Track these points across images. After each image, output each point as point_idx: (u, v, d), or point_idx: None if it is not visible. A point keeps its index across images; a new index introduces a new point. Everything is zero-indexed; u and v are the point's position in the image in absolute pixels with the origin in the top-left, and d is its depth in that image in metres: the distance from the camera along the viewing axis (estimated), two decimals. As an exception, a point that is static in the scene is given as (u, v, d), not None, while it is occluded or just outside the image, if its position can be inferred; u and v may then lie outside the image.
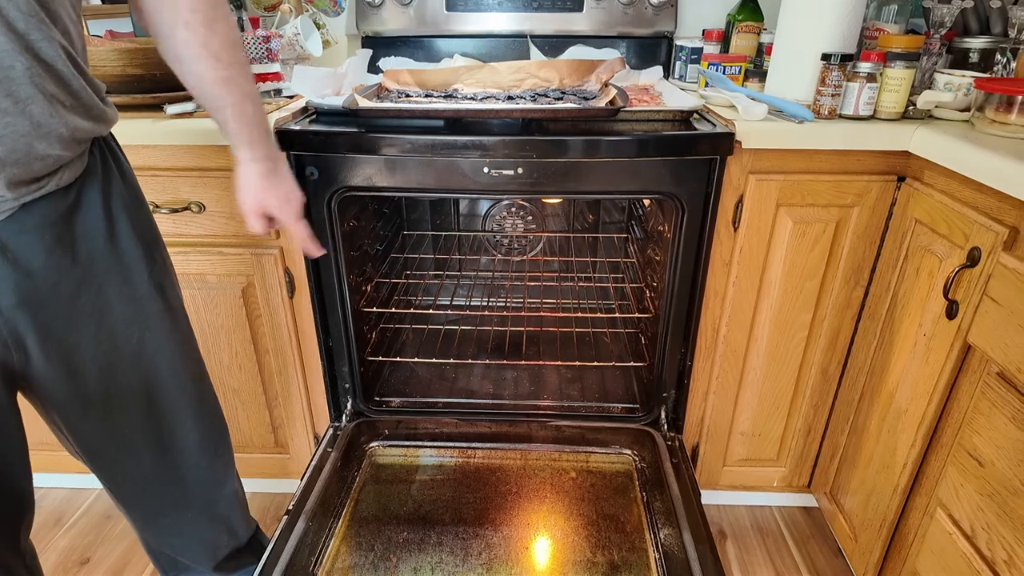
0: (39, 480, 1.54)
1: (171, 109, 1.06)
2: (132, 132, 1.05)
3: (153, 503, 0.94)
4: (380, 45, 1.57)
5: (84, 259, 0.73)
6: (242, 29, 1.43)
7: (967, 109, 1.03)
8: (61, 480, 1.54)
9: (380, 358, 1.47)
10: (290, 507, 1.07)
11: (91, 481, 1.53)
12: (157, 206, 1.11)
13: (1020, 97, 0.90)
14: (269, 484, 1.51)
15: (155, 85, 1.10)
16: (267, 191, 0.88)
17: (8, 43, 0.58)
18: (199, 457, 0.94)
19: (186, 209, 1.12)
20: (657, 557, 1.00)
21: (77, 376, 0.77)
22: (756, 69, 1.26)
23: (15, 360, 0.72)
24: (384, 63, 1.49)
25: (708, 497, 1.47)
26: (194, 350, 0.92)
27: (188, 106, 1.07)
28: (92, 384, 0.78)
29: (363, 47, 1.57)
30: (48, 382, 0.76)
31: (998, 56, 1.13)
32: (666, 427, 1.29)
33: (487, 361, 1.57)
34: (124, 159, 0.81)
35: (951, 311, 0.90)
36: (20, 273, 0.67)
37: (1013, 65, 1.08)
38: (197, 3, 0.73)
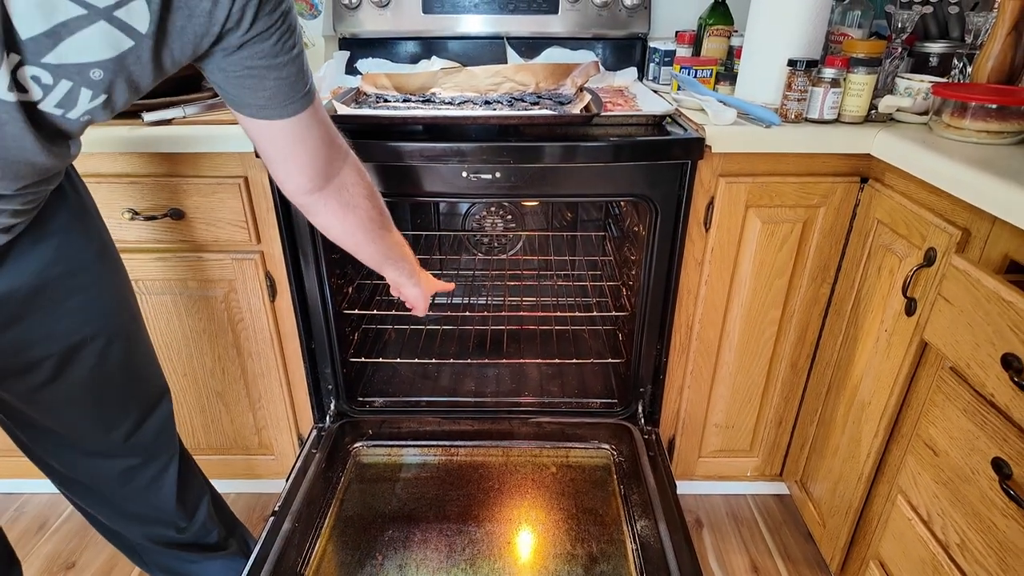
0: (19, 487, 1.55)
1: (148, 117, 1.06)
2: (109, 139, 1.05)
3: (120, 455, 0.96)
4: (358, 46, 1.58)
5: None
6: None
7: (926, 112, 1.07)
8: (42, 486, 1.53)
9: (363, 359, 1.48)
10: (276, 508, 1.09)
11: (73, 486, 1.54)
12: (136, 213, 1.12)
13: (973, 103, 0.94)
14: (254, 485, 1.53)
15: (132, 92, 1.10)
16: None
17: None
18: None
19: (165, 216, 1.13)
20: (634, 548, 1.03)
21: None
22: (727, 72, 1.30)
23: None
24: (362, 65, 1.50)
25: (684, 487, 1.51)
26: (128, 288, 0.93)
27: (166, 114, 1.07)
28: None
29: (340, 49, 1.58)
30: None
31: (955, 61, 1.17)
32: (643, 421, 1.33)
33: (469, 360, 1.59)
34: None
35: (910, 308, 0.94)
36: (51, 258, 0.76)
37: (969, 70, 1.13)
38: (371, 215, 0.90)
